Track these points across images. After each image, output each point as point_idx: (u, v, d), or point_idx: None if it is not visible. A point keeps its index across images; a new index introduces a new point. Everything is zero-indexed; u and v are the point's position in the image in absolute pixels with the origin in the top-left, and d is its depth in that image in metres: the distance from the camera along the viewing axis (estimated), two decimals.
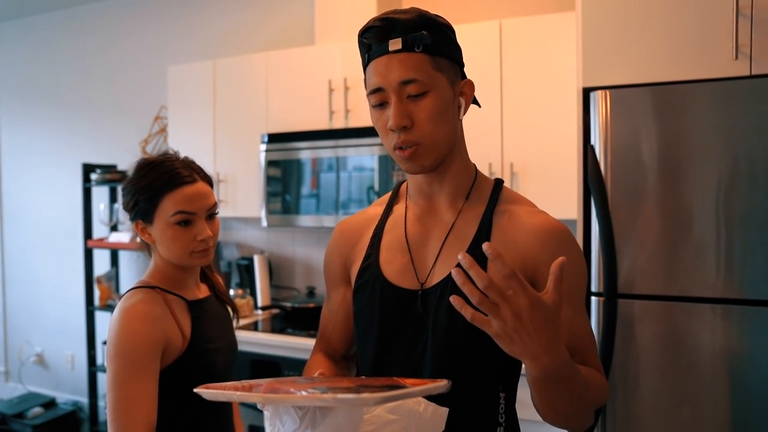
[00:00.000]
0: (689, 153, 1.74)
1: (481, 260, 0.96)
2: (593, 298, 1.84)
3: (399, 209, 1.10)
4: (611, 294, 1.80)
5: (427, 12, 0.97)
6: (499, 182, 1.07)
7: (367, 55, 0.97)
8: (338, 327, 1.16)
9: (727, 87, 1.70)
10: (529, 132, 2.36)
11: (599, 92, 1.82)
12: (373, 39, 0.95)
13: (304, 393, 0.73)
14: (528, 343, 0.75)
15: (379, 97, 0.95)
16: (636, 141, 1.79)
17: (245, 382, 0.85)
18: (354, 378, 0.87)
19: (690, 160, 1.74)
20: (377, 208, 1.14)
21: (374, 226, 1.10)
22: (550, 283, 0.75)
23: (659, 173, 1.77)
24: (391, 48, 0.93)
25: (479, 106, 1.10)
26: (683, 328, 1.75)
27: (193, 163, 1.35)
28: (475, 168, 1.07)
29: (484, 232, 0.99)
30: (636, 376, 1.80)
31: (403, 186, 1.13)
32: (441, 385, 0.78)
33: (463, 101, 0.99)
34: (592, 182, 1.81)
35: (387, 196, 1.14)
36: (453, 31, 1.00)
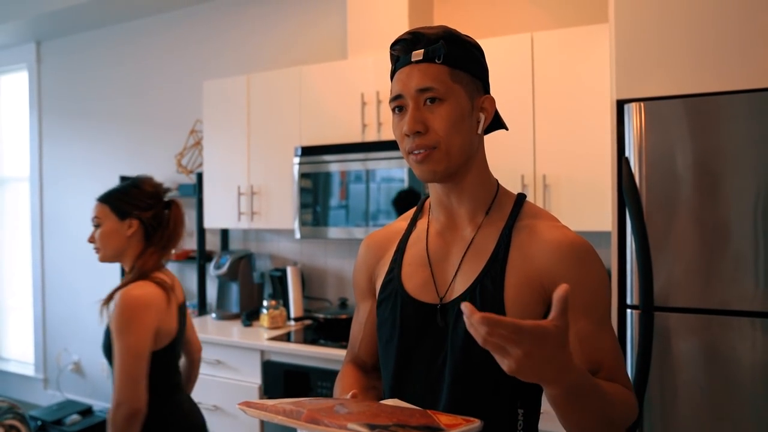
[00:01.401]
0: (726, 164, 1.72)
1: (499, 275, 0.98)
2: (629, 311, 1.82)
3: (422, 224, 1.12)
4: (647, 307, 1.78)
5: (456, 30, 1.02)
6: (521, 197, 1.07)
7: (394, 67, 1.03)
8: (366, 339, 1.19)
9: (764, 98, 1.68)
10: (562, 144, 2.36)
11: (633, 104, 1.81)
12: (401, 51, 1.01)
13: (345, 429, 0.75)
14: (544, 372, 0.75)
15: (398, 104, 1.00)
16: (671, 153, 1.77)
17: (288, 404, 0.85)
18: (388, 408, 0.86)
19: (727, 172, 1.72)
20: (402, 223, 1.16)
21: (398, 241, 1.13)
22: (555, 311, 0.74)
23: (695, 185, 1.75)
24: (413, 58, 0.98)
25: (506, 129, 1.11)
26: (722, 342, 1.72)
27: (123, 185, 1.80)
28: (497, 183, 1.09)
29: (502, 247, 1.00)
30: (674, 390, 1.77)
31: (428, 201, 1.15)
32: (474, 426, 0.80)
33: (483, 116, 1.01)
34: (627, 194, 1.80)
35: (413, 211, 1.17)
36: (480, 51, 1.04)
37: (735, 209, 1.71)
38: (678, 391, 1.77)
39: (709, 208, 1.73)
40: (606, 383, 0.92)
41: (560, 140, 2.36)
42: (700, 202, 1.75)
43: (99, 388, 4.28)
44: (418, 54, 0.98)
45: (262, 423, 2.69)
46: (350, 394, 0.98)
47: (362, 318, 1.19)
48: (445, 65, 0.97)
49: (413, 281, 1.06)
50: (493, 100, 1.03)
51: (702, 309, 1.74)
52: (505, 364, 0.74)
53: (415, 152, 0.98)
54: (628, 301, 1.83)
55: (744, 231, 1.70)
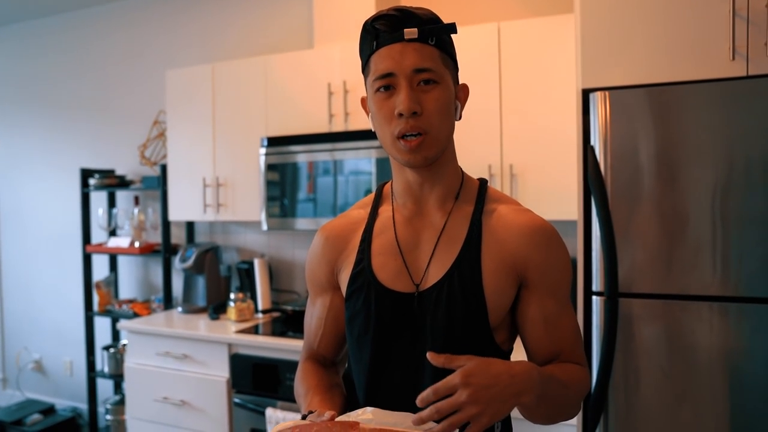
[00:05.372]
0: (687, 153, 1.76)
1: (475, 260, 0.99)
2: (594, 298, 1.86)
3: (386, 212, 1.10)
4: (612, 293, 1.81)
5: (438, 16, 1.02)
6: (483, 182, 1.09)
7: (375, 42, 0.97)
8: (327, 333, 1.15)
9: (724, 87, 1.72)
10: (529, 133, 2.38)
11: (598, 93, 1.84)
12: (387, 26, 0.96)
13: None
14: (504, 394, 0.83)
15: (387, 82, 0.96)
16: (635, 141, 1.81)
17: None
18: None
19: (688, 160, 1.75)
20: (361, 211, 1.13)
21: (362, 230, 1.09)
22: (447, 358, 0.86)
23: (658, 173, 1.78)
24: (406, 36, 0.94)
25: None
26: (682, 326, 1.77)
27: None
28: (461, 169, 1.10)
29: (474, 232, 1.01)
30: (637, 373, 1.81)
31: (386, 187, 1.13)
32: None
33: (459, 104, 1.02)
34: (593, 183, 1.83)
35: (370, 198, 1.14)
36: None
37: (695, 197, 1.75)
38: (641, 373, 1.81)
39: (671, 196, 1.77)
40: (562, 369, 0.98)
41: (527, 130, 2.38)
42: (662, 191, 1.78)
43: (62, 387, 4.18)
44: (412, 32, 0.94)
45: (231, 418, 2.66)
46: (328, 415, 0.92)
47: (321, 312, 1.14)
48: (437, 48, 0.96)
49: (385, 271, 1.04)
50: (467, 89, 1.05)
51: (663, 294, 1.79)
52: (478, 421, 0.81)
53: (408, 137, 0.95)
54: (594, 288, 1.86)
55: (703, 218, 1.74)
